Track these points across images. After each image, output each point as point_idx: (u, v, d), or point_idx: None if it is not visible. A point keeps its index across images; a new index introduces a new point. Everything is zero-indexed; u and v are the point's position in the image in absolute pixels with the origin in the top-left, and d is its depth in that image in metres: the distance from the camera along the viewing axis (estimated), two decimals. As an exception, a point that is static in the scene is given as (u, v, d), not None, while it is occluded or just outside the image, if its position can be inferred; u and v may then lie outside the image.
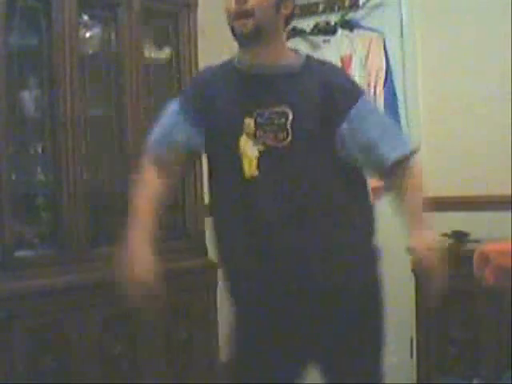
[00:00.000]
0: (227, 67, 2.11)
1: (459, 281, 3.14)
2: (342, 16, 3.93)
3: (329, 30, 3.96)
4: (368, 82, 3.83)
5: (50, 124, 3.08)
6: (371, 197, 3.89)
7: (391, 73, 3.83)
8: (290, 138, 1.97)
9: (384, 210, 3.92)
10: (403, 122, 3.82)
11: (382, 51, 3.83)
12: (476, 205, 3.57)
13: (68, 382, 2.94)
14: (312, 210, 2.02)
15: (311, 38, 4.00)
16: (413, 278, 3.41)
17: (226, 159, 2.05)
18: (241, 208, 2.02)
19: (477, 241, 3.25)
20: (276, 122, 1.98)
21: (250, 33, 1.94)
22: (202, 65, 3.64)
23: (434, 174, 3.77)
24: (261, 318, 2.07)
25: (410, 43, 3.81)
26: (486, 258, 1.59)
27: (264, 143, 1.98)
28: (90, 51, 3.28)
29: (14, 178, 2.96)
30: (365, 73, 3.84)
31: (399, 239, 3.77)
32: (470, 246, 3.24)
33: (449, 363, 3.29)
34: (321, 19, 4.00)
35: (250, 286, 2.06)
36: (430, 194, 3.75)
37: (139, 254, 2.04)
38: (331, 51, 3.93)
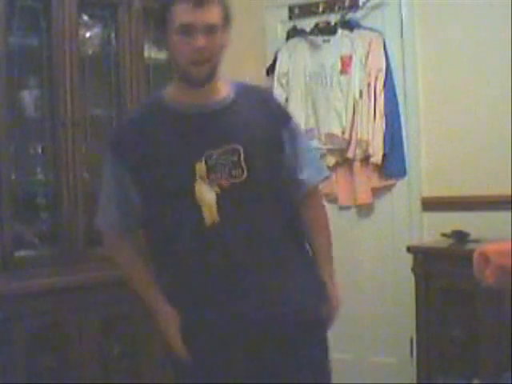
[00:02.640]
0: (156, 109, 2.00)
1: (459, 281, 3.15)
2: (342, 16, 3.93)
3: (329, 30, 3.96)
4: (368, 82, 3.83)
5: (50, 124, 3.09)
6: (371, 198, 3.91)
7: (391, 73, 3.83)
8: (245, 173, 1.92)
9: (384, 209, 3.93)
10: (403, 121, 3.82)
11: (382, 51, 3.83)
12: (476, 205, 3.57)
13: (68, 382, 2.93)
14: (275, 247, 1.98)
15: (311, 37, 4.00)
16: (413, 278, 3.42)
17: (179, 209, 1.93)
18: (202, 255, 1.93)
19: (477, 241, 3.25)
20: (229, 160, 1.91)
21: (206, 76, 1.91)
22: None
23: (434, 174, 3.78)
24: (223, 362, 1.97)
25: (410, 43, 3.81)
26: (486, 258, 1.59)
27: (219, 185, 1.91)
28: (90, 51, 3.28)
29: (13, 177, 2.96)
30: (365, 73, 3.84)
31: (399, 239, 3.79)
32: (470, 245, 3.24)
33: (449, 363, 3.28)
34: (321, 19, 4.00)
35: (212, 333, 1.96)
36: (430, 194, 3.78)
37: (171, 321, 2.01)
38: (331, 51, 3.93)
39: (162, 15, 1.91)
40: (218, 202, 1.90)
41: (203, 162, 1.90)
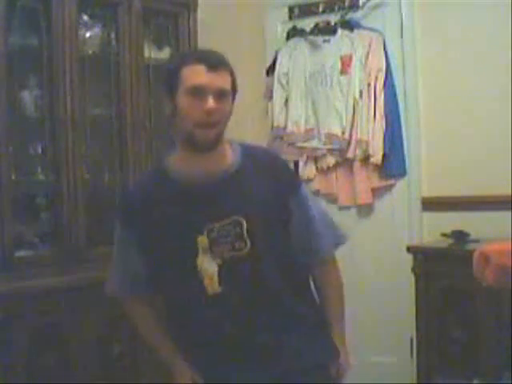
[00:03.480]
0: (162, 178, 1.97)
1: (459, 281, 3.16)
2: (342, 16, 3.93)
3: (329, 30, 3.96)
4: (368, 82, 3.83)
5: (50, 124, 3.09)
6: (371, 198, 3.91)
7: (391, 73, 3.83)
8: (248, 245, 1.90)
9: (384, 209, 3.93)
10: (403, 121, 3.83)
11: (382, 51, 3.83)
12: (476, 205, 3.57)
13: (68, 382, 2.93)
14: (279, 316, 1.96)
15: (311, 37, 4.00)
16: (413, 278, 3.42)
17: (182, 280, 1.94)
18: (205, 324, 1.94)
19: (477, 241, 3.25)
20: (232, 232, 1.89)
21: (211, 142, 1.87)
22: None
23: (434, 174, 3.78)
24: None
25: (410, 43, 3.82)
26: (486, 258, 1.59)
27: (221, 257, 1.89)
28: (90, 51, 3.28)
29: (13, 178, 2.96)
30: (365, 73, 3.84)
31: (399, 239, 3.79)
32: (470, 245, 3.24)
33: (449, 363, 3.29)
34: (321, 19, 4.00)
35: None
36: (430, 194, 3.78)
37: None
38: (331, 51, 3.94)
39: (173, 76, 1.88)
40: (219, 274, 1.89)
41: (205, 235, 1.89)
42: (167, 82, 1.89)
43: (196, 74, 1.84)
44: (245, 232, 1.89)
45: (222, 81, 1.86)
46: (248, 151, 2.01)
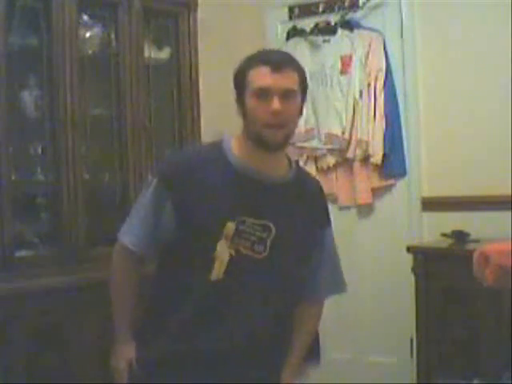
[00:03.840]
0: (217, 156, 1.99)
1: (459, 281, 3.16)
2: (342, 16, 3.93)
3: (329, 30, 3.96)
4: (368, 82, 3.83)
5: (49, 124, 3.08)
6: (371, 198, 3.91)
7: (391, 73, 3.83)
8: (266, 253, 1.94)
9: (384, 209, 3.93)
10: (403, 121, 3.83)
11: (382, 51, 3.84)
12: (476, 205, 3.57)
13: (68, 382, 2.93)
14: (266, 324, 1.99)
15: (311, 37, 4.00)
16: (413, 278, 3.42)
17: (197, 258, 1.96)
18: (198, 308, 1.95)
19: (477, 241, 3.25)
20: (258, 234, 1.94)
21: (280, 142, 1.92)
22: (202, 65, 3.64)
23: (434, 174, 3.78)
24: None
25: (410, 43, 3.82)
26: (486, 258, 1.59)
27: (237, 250, 1.92)
28: (90, 51, 3.28)
29: (13, 178, 2.96)
30: (365, 73, 3.84)
31: (399, 239, 3.79)
32: (470, 245, 3.24)
33: (449, 363, 3.29)
34: (321, 19, 4.00)
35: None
36: (430, 194, 3.78)
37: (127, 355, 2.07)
38: (331, 51, 3.94)
39: (240, 79, 1.93)
40: (228, 263, 1.92)
41: (234, 223, 1.92)
42: (236, 85, 1.95)
43: (261, 76, 1.88)
44: (269, 240, 1.93)
45: (287, 81, 1.88)
46: (302, 170, 2.13)
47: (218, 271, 1.92)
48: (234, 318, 1.94)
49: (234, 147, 1.99)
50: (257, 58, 1.94)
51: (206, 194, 1.94)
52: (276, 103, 1.86)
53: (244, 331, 1.94)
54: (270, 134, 1.89)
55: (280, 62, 1.89)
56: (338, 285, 2.16)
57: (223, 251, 1.92)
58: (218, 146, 2.01)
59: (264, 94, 1.87)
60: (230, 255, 1.92)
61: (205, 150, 2.11)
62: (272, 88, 1.86)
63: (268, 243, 1.94)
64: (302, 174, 2.10)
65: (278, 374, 2.08)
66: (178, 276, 1.99)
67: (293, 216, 2.00)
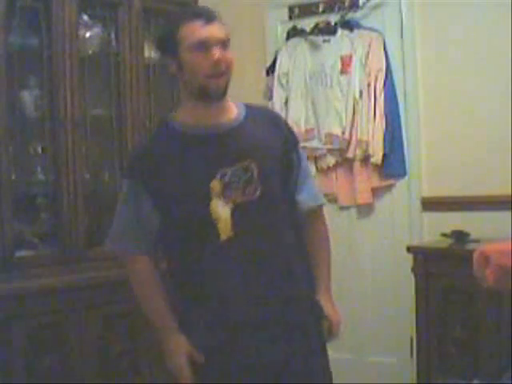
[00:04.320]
0: (165, 134, 2.04)
1: (459, 281, 3.16)
2: (342, 16, 3.93)
3: (329, 30, 3.96)
4: (368, 82, 3.83)
5: (49, 124, 3.09)
6: (371, 198, 3.91)
7: (391, 73, 3.83)
8: (259, 191, 1.98)
9: (384, 209, 3.93)
10: (403, 121, 3.82)
11: (382, 51, 3.83)
12: (476, 205, 3.57)
13: (68, 382, 2.94)
14: (286, 257, 2.04)
15: (311, 37, 4.00)
16: (413, 278, 3.42)
17: (197, 228, 1.97)
18: (216, 270, 1.96)
19: (477, 241, 3.25)
20: (243, 177, 1.97)
21: (223, 90, 1.97)
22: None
23: (434, 174, 3.78)
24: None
25: (410, 43, 3.81)
26: (486, 258, 1.59)
27: (234, 201, 1.95)
28: (90, 51, 3.28)
29: (14, 177, 2.96)
30: (365, 73, 3.84)
31: (399, 239, 3.79)
32: (470, 245, 3.24)
33: (449, 363, 3.29)
34: (321, 19, 4.00)
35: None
36: (430, 194, 3.78)
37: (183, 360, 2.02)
38: (331, 51, 3.93)
39: (170, 37, 1.95)
40: (232, 218, 1.95)
41: (218, 179, 1.95)
42: (168, 42, 1.96)
43: (197, 29, 1.92)
44: (255, 177, 1.97)
45: (220, 32, 1.94)
46: (251, 106, 2.12)
47: (225, 230, 1.95)
48: (254, 262, 1.97)
49: (181, 115, 2.03)
50: (186, 13, 1.99)
51: (176, 171, 1.97)
52: (217, 53, 1.91)
53: (266, 268, 1.98)
54: (213, 83, 1.94)
55: (210, 14, 1.95)
56: (320, 197, 2.26)
57: (221, 210, 1.95)
58: (166, 123, 2.06)
59: (202, 46, 1.91)
60: (231, 210, 1.95)
61: (157, 132, 2.14)
62: (210, 39, 1.91)
63: (256, 181, 1.97)
64: (253, 109, 2.12)
65: (311, 287, 2.11)
66: (191, 256, 1.99)
67: (264, 145, 2.03)
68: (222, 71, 1.94)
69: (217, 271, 1.96)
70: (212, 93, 1.95)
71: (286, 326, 2.00)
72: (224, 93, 1.98)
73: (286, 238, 2.03)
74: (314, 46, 4.00)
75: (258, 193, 1.97)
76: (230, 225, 1.94)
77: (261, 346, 1.97)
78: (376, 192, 3.92)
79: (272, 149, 2.04)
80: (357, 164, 3.88)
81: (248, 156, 1.98)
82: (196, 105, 1.99)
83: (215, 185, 1.94)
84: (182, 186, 1.96)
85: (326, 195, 4.06)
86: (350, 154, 3.88)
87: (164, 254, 2.09)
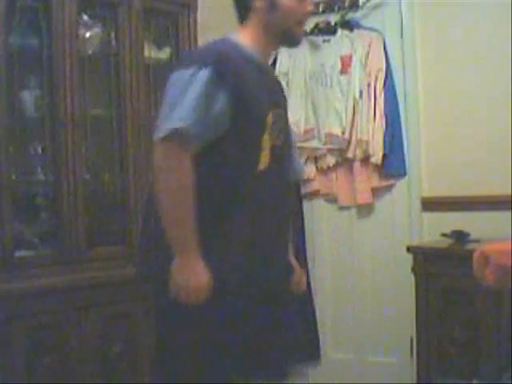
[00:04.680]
0: (239, 51, 2.07)
1: (459, 281, 3.16)
2: (342, 16, 3.93)
3: (329, 30, 3.96)
4: (368, 82, 3.83)
5: (50, 124, 3.09)
6: (371, 198, 3.91)
7: (391, 73, 3.83)
8: (283, 139, 2.13)
9: (384, 209, 3.93)
10: (403, 121, 3.82)
11: (382, 51, 3.83)
12: (476, 205, 3.57)
13: (68, 382, 2.93)
14: (290, 207, 2.27)
15: (311, 37, 4.00)
16: (413, 278, 3.42)
17: (245, 151, 2.02)
18: (251, 194, 2.02)
19: (477, 241, 3.25)
20: (280, 123, 2.12)
21: (302, 37, 2.18)
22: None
23: (434, 174, 3.78)
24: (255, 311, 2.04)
25: (410, 43, 3.81)
26: (486, 258, 1.59)
27: (273, 139, 2.08)
28: (90, 51, 3.28)
29: (14, 177, 2.96)
30: (365, 73, 3.84)
31: (399, 239, 3.79)
32: (470, 245, 3.24)
33: (449, 363, 3.28)
34: (321, 19, 4.00)
35: (254, 281, 2.02)
36: (430, 194, 3.78)
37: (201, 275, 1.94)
38: (331, 51, 3.94)
39: None
40: (270, 153, 2.06)
41: (271, 115, 2.07)
42: None
43: None
44: (283, 126, 2.14)
45: None
46: None
47: (264, 161, 2.04)
48: (275, 205, 2.10)
49: (249, 45, 2.11)
50: None
51: (251, 87, 2.02)
52: (311, 4, 2.12)
53: (284, 204, 2.15)
54: (300, 30, 2.12)
55: None
56: (302, 172, 2.53)
57: (266, 142, 2.05)
58: (231, 44, 2.08)
59: None
60: (271, 145, 2.05)
61: (226, 47, 2.09)
62: None
63: (283, 130, 2.13)
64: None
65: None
66: (227, 172, 2.00)
67: (282, 103, 2.20)
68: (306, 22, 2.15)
69: (252, 195, 2.02)
70: (296, 38, 2.13)
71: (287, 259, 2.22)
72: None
73: (292, 190, 2.28)
74: (314, 46, 4.00)
75: (282, 141, 2.12)
76: (268, 159, 2.05)
77: (281, 274, 2.15)
78: (376, 192, 3.92)
79: (284, 107, 2.21)
80: (357, 164, 3.88)
81: (282, 105, 2.17)
82: (268, 44, 2.12)
83: (269, 119, 2.06)
84: (252, 107, 2.01)
85: (326, 195, 4.09)
86: (349, 154, 3.88)
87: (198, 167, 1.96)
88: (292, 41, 2.14)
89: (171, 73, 2.03)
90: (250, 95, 2.00)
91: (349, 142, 3.87)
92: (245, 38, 2.11)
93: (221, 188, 2.00)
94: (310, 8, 2.11)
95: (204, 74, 1.94)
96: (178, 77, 1.97)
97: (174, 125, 1.91)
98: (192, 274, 1.92)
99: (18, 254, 2.92)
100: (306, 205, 4.02)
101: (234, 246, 2.00)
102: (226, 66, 1.98)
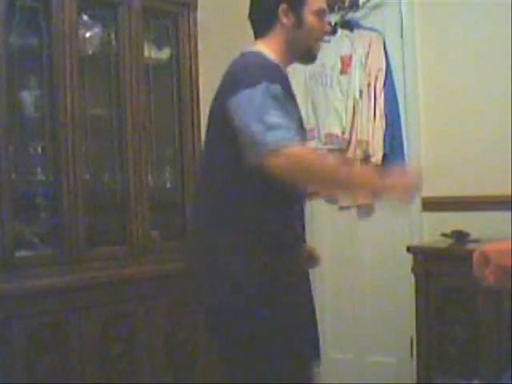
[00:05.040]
0: (279, 67, 2.14)
1: (459, 281, 3.16)
2: (342, 16, 3.93)
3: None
4: (368, 82, 3.83)
5: (50, 124, 3.08)
6: (371, 198, 3.91)
7: (391, 73, 3.83)
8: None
9: (384, 209, 3.93)
10: (403, 121, 3.82)
11: (382, 51, 3.83)
12: (476, 205, 3.57)
13: (68, 382, 2.93)
14: None
15: (311, 38, 3.99)
16: (413, 278, 3.42)
17: None
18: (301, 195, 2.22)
19: (477, 241, 3.25)
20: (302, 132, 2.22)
21: (317, 54, 2.26)
22: (202, 65, 3.64)
23: (434, 174, 3.78)
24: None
25: (410, 43, 3.81)
26: (486, 258, 1.59)
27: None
28: (90, 51, 3.28)
29: (14, 177, 2.96)
30: (365, 73, 3.84)
31: (399, 239, 3.79)
32: (470, 245, 3.24)
33: (449, 363, 3.28)
34: (321, 19, 3.99)
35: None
36: (430, 194, 3.78)
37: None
38: (331, 51, 3.93)
39: None
40: None
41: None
42: (298, 3, 2.17)
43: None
44: None
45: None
46: None
47: None
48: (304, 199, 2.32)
49: (278, 62, 2.15)
50: None
51: (295, 100, 2.18)
52: (328, 24, 2.26)
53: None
54: (318, 46, 2.22)
55: None
56: None
57: None
58: (266, 59, 2.12)
59: (321, 13, 2.21)
60: None
61: (273, 63, 2.13)
62: (326, 10, 2.23)
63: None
64: None
65: None
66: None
67: None
68: None
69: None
70: (314, 54, 2.23)
71: None
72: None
73: None
74: (314, 46, 4.00)
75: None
76: None
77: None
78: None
79: None
80: (357, 164, 3.88)
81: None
82: (288, 59, 2.20)
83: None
84: (300, 116, 2.19)
85: (326, 195, 4.09)
86: (349, 154, 3.88)
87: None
88: (310, 57, 2.23)
89: (233, 95, 1.97)
90: (297, 107, 2.18)
91: (349, 142, 3.87)
92: (270, 52, 2.15)
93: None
94: (328, 27, 2.25)
95: (277, 89, 1.98)
96: (251, 96, 1.94)
97: (278, 143, 1.90)
98: (397, 181, 1.98)
99: (18, 253, 2.92)
100: (306, 205, 4.01)
101: (295, 241, 2.14)
102: (285, 81, 2.11)
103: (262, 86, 1.94)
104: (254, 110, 1.91)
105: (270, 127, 1.89)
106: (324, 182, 2.03)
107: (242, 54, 2.16)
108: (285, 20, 2.15)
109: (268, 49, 2.15)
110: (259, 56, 2.11)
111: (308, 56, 2.23)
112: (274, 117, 1.91)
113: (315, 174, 1.96)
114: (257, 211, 2.00)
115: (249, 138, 1.90)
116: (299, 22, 2.16)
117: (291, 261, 2.07)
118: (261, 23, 2.21)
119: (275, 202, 2.02)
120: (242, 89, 1.95)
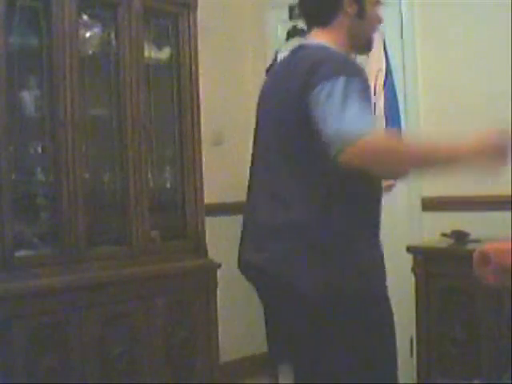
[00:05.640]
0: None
1: (459, 281, 3.16)
2: (342, 16, 3.92)
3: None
4: (368, 82, 3.83)
5: (50, 124, 3.09)
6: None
7: (391, 73, 3.83)
8: None
9: (384, 209, 3.93)
10: (403, 121, 3.82)
11: (382, 51, 3.83)
12: (476, 205, 3.57)
13: (68, 382, 2.93)
14: None
15: (311, 38, 3.99)
16: (413, 278, 3.42)
17: None
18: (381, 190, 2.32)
19: (477, 241, 3.25)
20: None
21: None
22: (202, 65, 3.64)
23: (434, 174, 3.77)
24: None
25: (410, 43, 3.81)
26: (486, 258, 1.59)
27: None
28: (90, 51, 3.28)
29: (14, 177, 2.96)
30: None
31: (399, 239, 3.78)
32: (470, 245, 3.24)
33: (449, 363, 3.29)
34: (321, 19, 3.99)
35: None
36: (430, 194, 3.78)
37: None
38: (331, 51, 3.93)
39: None
40: None
41: None
42: None
43: None
44: None
45: None
46: None
47: None
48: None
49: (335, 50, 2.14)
50: None
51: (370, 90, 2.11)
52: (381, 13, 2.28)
53: None
54: (373, 38, 2.27)
55: None
56: None
57: None
58: (336, 51, 2.11)
59: (379, 4, 2.28)
60: None
61: (340, 54, 2.13)
62: (381, 2, 2.29)
63: None
64: None
65: None
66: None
67: None
68: None
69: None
70: (371, 44, 2.26)
71: None
72: None
73: None
74: (314, 46, 4.00)
75: None
76: None
77: None
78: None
79: None
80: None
81: None
82: (347, 50, 2.17)
83: None
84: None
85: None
86: (349, 154, 3.87)
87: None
88: (368, 47, 2.25)
89: (312, 90, 1.96)
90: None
91: (349, 142, 3.87)
92: (332, 42, 2.14)
93: (367, 181, 2.19)
94: (383, 19, 2.28)
95: (357, 81, 1.97)
96: (331, 90, 1.92)
97: (362, 131, 1.89)
98: (476, 146, 2.09)
99: (18, 254, 2.92)
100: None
101: (377, 241, 2.29)
102: (362, 72, 2.08)
103: (342, 79, 1.92)
104: (334, 105, 1.89)
105: (350, 122, 1.87)
106: (403, 162, 2.01)
107: (305, 47, 2.21)
108: (349, 9, 2.15)
109: (330, 40, 2.14)
110: (328, 49, 2.12)
111: (367, 46, 2.25)
112: (353, 109, 1.89)
113: (394, 156, 1.97)
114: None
115: (327, 136, 1.88)
116: (362, 12, 2.18)
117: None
118: (323, 12, 2.20)
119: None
120: (321, 83, 1.93)
